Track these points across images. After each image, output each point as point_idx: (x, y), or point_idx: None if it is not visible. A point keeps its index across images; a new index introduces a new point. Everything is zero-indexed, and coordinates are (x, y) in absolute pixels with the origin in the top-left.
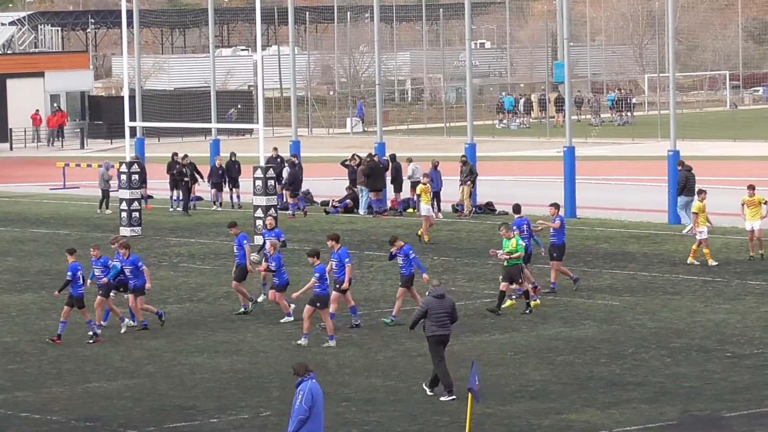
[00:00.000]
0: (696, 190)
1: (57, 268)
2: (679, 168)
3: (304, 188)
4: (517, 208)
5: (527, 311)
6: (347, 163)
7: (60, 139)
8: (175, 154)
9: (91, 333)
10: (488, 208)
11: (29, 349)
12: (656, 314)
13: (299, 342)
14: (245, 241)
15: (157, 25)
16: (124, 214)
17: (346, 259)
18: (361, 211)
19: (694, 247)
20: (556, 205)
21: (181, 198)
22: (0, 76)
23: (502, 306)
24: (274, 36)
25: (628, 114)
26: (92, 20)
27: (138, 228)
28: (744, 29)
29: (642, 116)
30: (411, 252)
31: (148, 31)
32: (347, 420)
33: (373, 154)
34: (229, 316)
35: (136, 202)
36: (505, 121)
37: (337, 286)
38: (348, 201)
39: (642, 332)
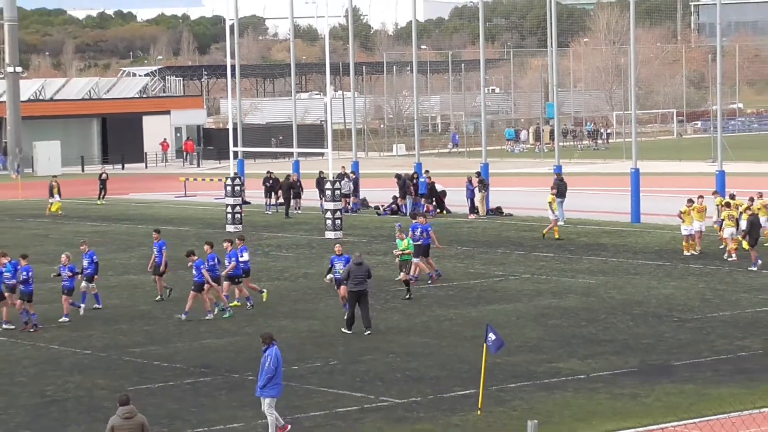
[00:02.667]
0: (566, 193)
1: (180, 255)
2: (556, 177)
3: (361, 196)
4: (413, 215)
5: (407, 297)
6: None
7: (188, 159)
8: (269, 171)
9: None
10: (498, 211)
11: (159, 314)
12: (622, 289)
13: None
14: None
15: (253, 75)
16: (229, 216)
17: (233, 258)
18: (406, 213)
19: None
20: (423, 215)
21: (273, 203)
22: (137, 113)
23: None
24: (339, 83)
25: (601, 142)
26: (205, 72)
27: (239, 226)
28: (687, 78)
29: (611, 143)
30: (429, 228)
31: (246, 81)
32: (393, 367)
33: (414, 172)
34: (307, 291)
35: (238, 206)
36: (509, 147)
37: (241, 276)
38: (394, 205)
39: (611, 303)
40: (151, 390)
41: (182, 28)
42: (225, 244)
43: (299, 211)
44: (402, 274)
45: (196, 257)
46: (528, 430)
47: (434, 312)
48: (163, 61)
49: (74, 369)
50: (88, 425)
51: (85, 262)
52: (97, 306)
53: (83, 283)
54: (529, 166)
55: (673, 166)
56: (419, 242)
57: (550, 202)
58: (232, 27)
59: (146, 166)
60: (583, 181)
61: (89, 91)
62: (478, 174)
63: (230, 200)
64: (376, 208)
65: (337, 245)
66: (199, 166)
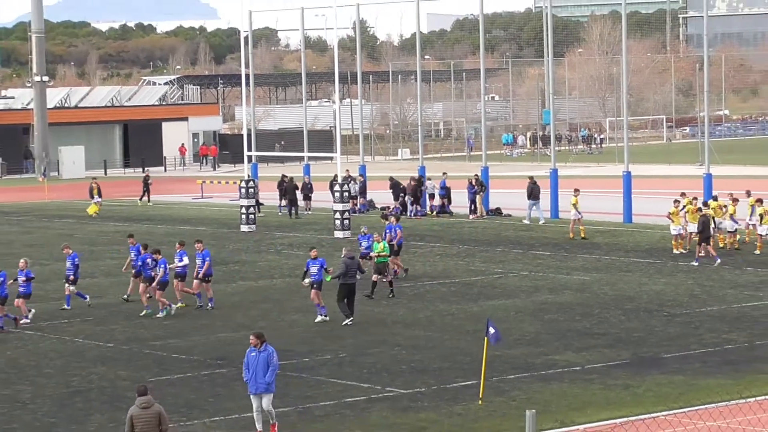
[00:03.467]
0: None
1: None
2: (529, 181)
3: (368, 198)
4: (384, 216)
5: (390, 295)
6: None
7: (207, 163)
8: (284, 175)
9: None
10: (497, 211)
11: (177, 310)
12: (614, 285)
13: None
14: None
15: (267, 84)
16: (243, 216)
17: (207, 258)
18: (410, 214)
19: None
20: (396, 217)
21: (285, 205)
22: (157, 120)
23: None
24: (347, 91)
25: (595, 146)
26: (221, 81)
27: (253, 226)
28: (676, 86)
29: (605, 147)
30: (400, 228)
31: (260, 89)
32: (398, 360)
33: (418, 176)
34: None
35: (251, 207)
36: (508, 152)
37: (204, 277)
38: (399, 207)
39: (605, 298)
40: (170, 381)
41: (199, 40)
42: (197, 245)
43: (310, 212)
44: (376, 276)
45: (160, 255)
46: (526, 419)
47: (437, 307)
48: (182, 71)
49: (98, 361)
50: (110, 414)
51: (68, 264)
52: (72, 306)
53: (66, 285)
54: (527, 170)
55: (663, 170)
56: (392, 242)
57: (574, 204)
58: (246, 38)
59: (165, 170)
60: (577, 184)
61: (112, 99)
62: (477, 177)
63: (244, 202)
64: (383, 209)
65: (313, 249)
66: (215, 169)
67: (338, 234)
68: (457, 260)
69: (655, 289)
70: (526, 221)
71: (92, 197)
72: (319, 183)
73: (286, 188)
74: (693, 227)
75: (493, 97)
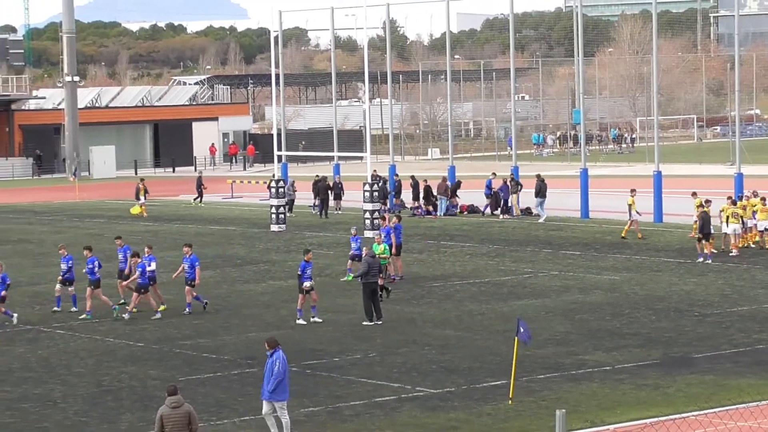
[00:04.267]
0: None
1: (228, 254)
2: (537, 179)
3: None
4: (382, 218)
5: (386, 296)
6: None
7: (235, 162)
8: (318, 175)
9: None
10: (527, 211)
11: (208, 309)
12: (645, 285)
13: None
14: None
15: (296, 84)
16: (273, 216)
17: (197, 263)
18: (440, 213)
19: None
20: (382, 218)
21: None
22: (187, 120)
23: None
24: (377, 91)
25: (625, 146)
26: (251, 81)
27: (283, 225)
28: (706, 86)
29: (636, 147)
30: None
31: (290, 89)
32: (429, 359)
33: (446, 177)
34: (347, 287)
35: (282, 207)
36: (537, 151)
37: (189, 281)
38: (429, 206)
39: (635, 298)
40: (200, 380)
41: (229, 40)
42: (185, 249)
43: (339, 212)
44: (380, 278)
45: (139, 259)
46: (556, 419)
47: (467, 307)
48: (212, 71)
49: (128, 360)
50: (141, 413)
51: (63, 266)
52: (74, 309)
53: (58, 286)
54: (556, 169)
55: (694, 169)
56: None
57: (630, 204)
58: (276, 38)
59: (195, 170)
60: (608, 183)
61: (142, 99)
62: (512, 175)
63: (275, 201)
64: (413, 209)
65: (309, 252)
66: (245, 169)
67: (368, 233)
68: (487, 260)
69: (685, 289)
70: (541, 220)
71: (138, 198)
72: (349, 183)
73: (319, 188)
74: (725, 227)
75: (523, 97)
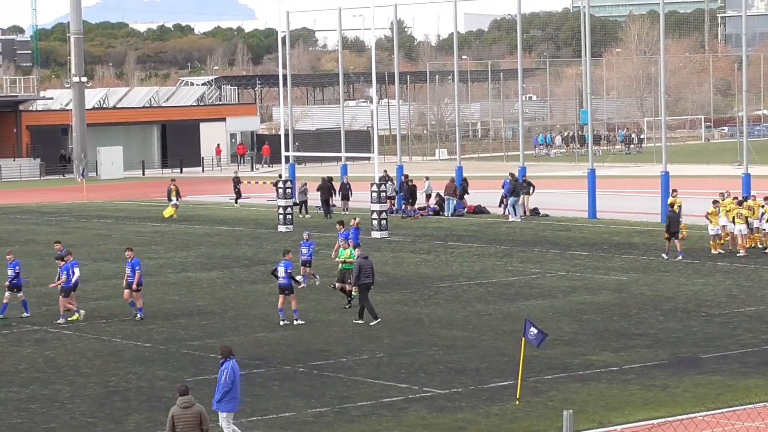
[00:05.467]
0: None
1: (235, 254)
2: (509, 178)
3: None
4: (341, 223)
5: (348, 306)
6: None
7: (242, 163)
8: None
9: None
10: (535, 212)
11: (215, 310)
12: (652, 286)
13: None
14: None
15: (304, 84)
16: (280, 216)
17: (137, 267)
18: (447, 214)
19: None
20: (341, 222)
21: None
22: (195, 121)
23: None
24: (385, 92)
25: (633, 146)
26: (259, 82)
27: (291, 226)
28: (714, 86)
29: (643, 147)
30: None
31: (297, 89)
32: (436, 360)
33: (454, 177)
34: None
35: (289, 207)
36: (545, 152)
37: (134, 285)
38: (436, 206)
39: (642, 299)
40: (207, 381)
41: (237, 40)
42: (128, 253)
43: (347, 212)
44: (338, 284)
45: (63, 263)
46: (563, 420)
47: (475, 307)
48: (219, 71)
49: (136, 361)
50: (148, 414)
51: (10, 272)
52: (25, 314)
53: (6, 293)
54: (564, 170)
55: (701, 169)
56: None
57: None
58: (284, 39)
59: (203, 170)
60: (615, 184)
61: (150, 100)
62: (524, 177)
63: (282, 202)
64: (421, 209)
65: (288, 253)
66: (252, 169)
67: (375, 234)
68: (495, 260)
69: (693, 290)
70: (512, 219)
71: (170, 199)
72: (357, 183)
73: (320, 187)
74: (733, 227)
75: (530, 97)
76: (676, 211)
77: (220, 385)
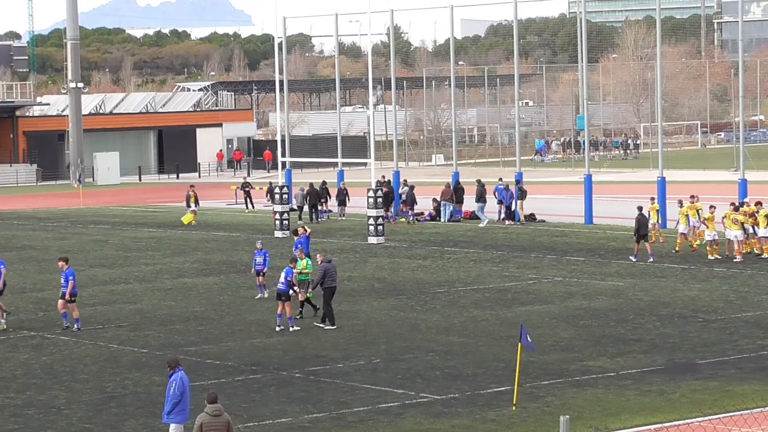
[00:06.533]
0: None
1: (232, 260)
2: (477, 184)
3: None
4: (295, 232)
5: (299, 316)
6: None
7: (239, 168)
8: (324, 181)
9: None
10: (531, 217)
11: (212, 315)
12: (649, 291)
13: None
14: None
15: (301, 90)
16: (277, 222)
17: (71, 277)
18: (444, 219)
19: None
20: (295, 232)
21: (325, 210)
22: (191, 126)
23: None
24: (381, 97)
25: (629, 151)
26: (255, 87)
27: (287, 231)
28: (710, 92)
29: (640, 153)
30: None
31: (294, 95)
32: (433, 365)
33: (450, 182)
34: (351, 293)
35: (285, 213)
36: (541, 157)
37: (66, 295)
38: (432, 211)
39: (639, 304)
40: (204, 387)
41: (234, 46)
42: (60, 263)
43: (344, 218)
44: (300, 293)
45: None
46: (560, 425)
47: (471, 313)
48: (216, 77)
49: (132, 367)
50: (145, 420)
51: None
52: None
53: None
54: (560, 175)
55: (698, 175)
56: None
57: (701, 213)
58: (280, 44)
59: (200, 176)
60: (612, 189)
61: (146, 105)
62: (518, 182)
63: (278, 207)
64: (417, 215)
65: (295, 261)
66: (249, 175)
67: (372, 240)
68: (491, 266)
69: (689, 295)
70: (482, 225)
71: (188, 206)
72: (354, 189)
73: (308, 192)
74: (730, 233)
75: (527, 103)
76: (645, 215)
77: (169, 396)
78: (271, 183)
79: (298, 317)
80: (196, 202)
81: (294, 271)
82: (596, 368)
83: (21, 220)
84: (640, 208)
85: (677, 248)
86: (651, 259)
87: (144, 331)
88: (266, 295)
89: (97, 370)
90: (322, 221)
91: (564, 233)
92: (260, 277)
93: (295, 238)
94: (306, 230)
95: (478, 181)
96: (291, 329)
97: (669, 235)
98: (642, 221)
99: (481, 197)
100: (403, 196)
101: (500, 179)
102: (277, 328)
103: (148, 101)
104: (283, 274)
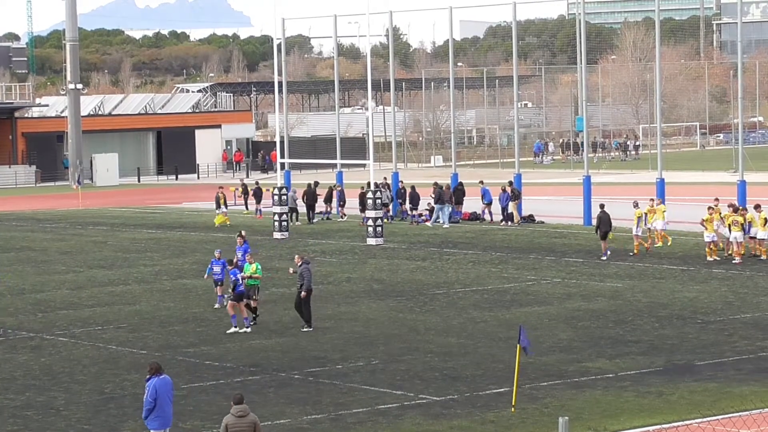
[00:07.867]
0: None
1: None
2: (435, 186)
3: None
4: (241, 236)
5: (252, 323)
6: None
7: (238, 170)
8: (334, 184)
9: None
10: (530, 218)
11: (211, 317)
12: (648, 293)
13: None
14: None
15: (299, 91)
16: (276, 223)
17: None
18: (442, 220)
19: (707, 248)
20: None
21: (324, 212)
22: (190, 128)
23: None
24: (380, 99)
25: (628, 153)
26: (254, 89)
27: (286, 233)
28: (709, 93)
29: (640, 154)
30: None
31: (293, 96)
32: (431, 367)
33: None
34: (350, 294)
35: (284, 214)
36: (539, 159)
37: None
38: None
39: (638, 305)
40: (203, 388)
41: (232, 47)
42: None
43: (343, 219)
44: (251, 301)
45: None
46: (559, 426)
47: (470, 314)
48: (215, 78)
49: (131, 368)
50: (143, 421)
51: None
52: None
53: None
54: (559, 177)
55: (697, 176)
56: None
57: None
58: (279, 46)
59: (198, 177)
60: (611, 191)
61: (145, 107)
62: (511, 183)
63: (277, 209)
64: (413, 216)
65: (218, 251)
66: (248, 176)
67: (371, 241)
68: (490, 267)
69: (688, 296)
70: (445, 226)
71: (218, 207)
72: (352, 190)
73: (305, 193)
74: (730, 234)
75: (526, 104)
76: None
77: (144, 403)
78: (244, 182)
79: (253, 324)
80: (226, 204)
81: (243, 275)
82: (595, 369)
83: (20, 222)
84: (602, 206)
85: (635, 251)
86: (604, 258)
87: (143, 333)
88: (226, 304)
89: (96, 371)
90: (315, 223)
91: (563, 234)
92: (219, 287)
93: (241, 242)
94: (243, 238)
95: (435, 184)
96: (244, 330)
97: (672, 235)
98: (603, 218)
99: (439, 199)
100: (386, 198)
101: (481, 182)
102: (232, 330)
103: (147, 102)
104: (232, 277)
